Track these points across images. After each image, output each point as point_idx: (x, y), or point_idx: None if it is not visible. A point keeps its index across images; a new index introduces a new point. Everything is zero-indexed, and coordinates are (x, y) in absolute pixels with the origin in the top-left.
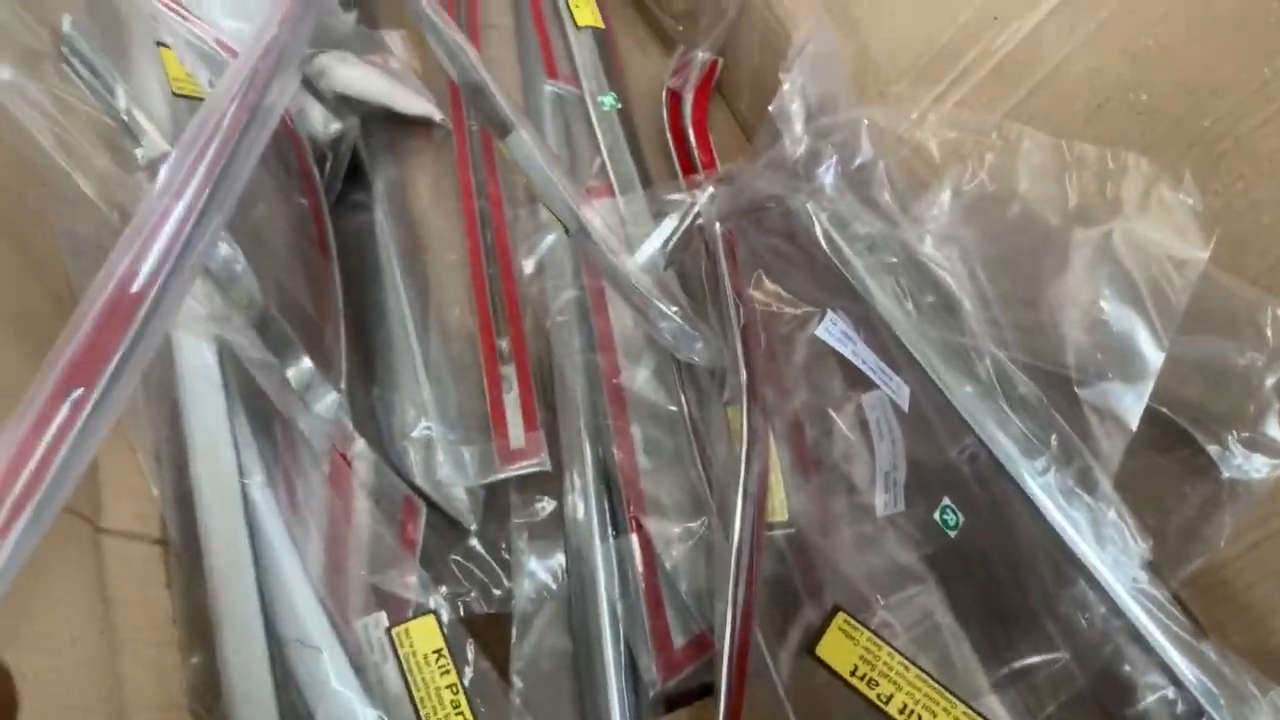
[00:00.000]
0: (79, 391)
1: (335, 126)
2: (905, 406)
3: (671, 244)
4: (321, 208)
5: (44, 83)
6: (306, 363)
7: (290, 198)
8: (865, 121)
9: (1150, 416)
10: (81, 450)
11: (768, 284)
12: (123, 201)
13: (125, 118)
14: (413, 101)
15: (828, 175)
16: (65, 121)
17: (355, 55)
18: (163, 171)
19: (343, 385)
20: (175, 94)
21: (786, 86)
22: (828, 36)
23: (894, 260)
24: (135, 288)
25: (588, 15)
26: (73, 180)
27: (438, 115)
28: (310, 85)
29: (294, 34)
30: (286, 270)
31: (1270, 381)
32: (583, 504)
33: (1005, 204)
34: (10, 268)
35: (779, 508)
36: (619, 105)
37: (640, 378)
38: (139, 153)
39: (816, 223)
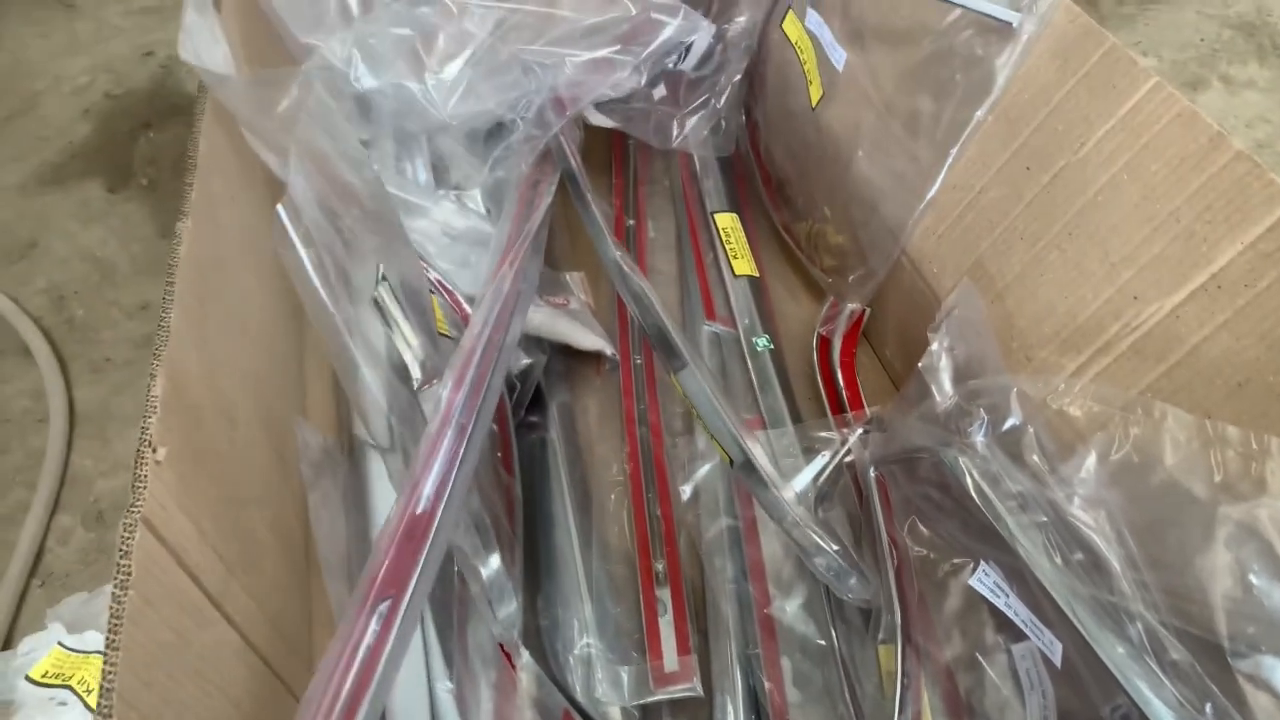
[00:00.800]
0: (385, 604)
1: (525, 361)
2: (1058, 661)
3: (822, 479)
4: (509, 432)
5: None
6: (498, 566)
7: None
8: (1015, 389)
9: None
10: (395, 655)
11: (921, 530)
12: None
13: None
14: (588, 339)
15: (979, 434)
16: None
17: (540, 297)
18: (430, 407)
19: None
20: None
21: (934, 345)
22: (975, 302)
23: (1044, 519)
24: (421, 509)
25: (745, 266)
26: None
27: (609, 350)
28: None
29: (526, 280)
30: (483, 484)
31: None
32: None
33: (1150, 473)
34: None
35: None
36: (771, 346)
37: (791, 609)
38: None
39: (969, 476)
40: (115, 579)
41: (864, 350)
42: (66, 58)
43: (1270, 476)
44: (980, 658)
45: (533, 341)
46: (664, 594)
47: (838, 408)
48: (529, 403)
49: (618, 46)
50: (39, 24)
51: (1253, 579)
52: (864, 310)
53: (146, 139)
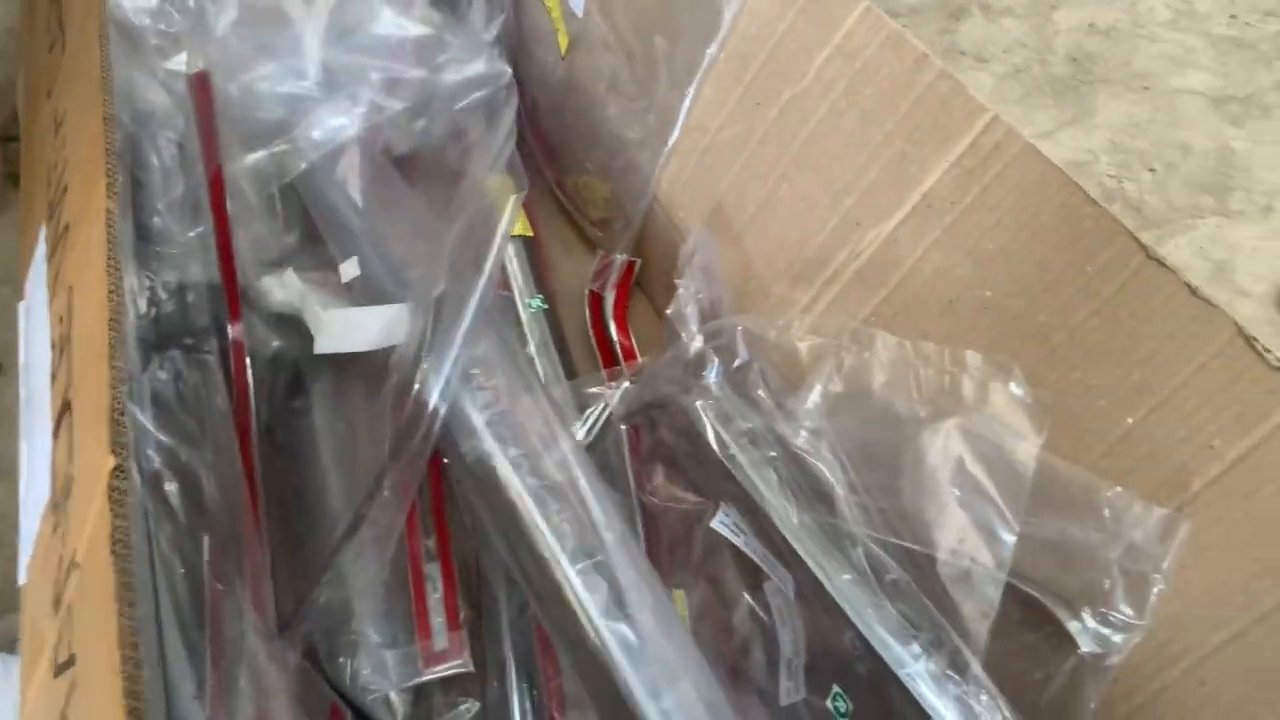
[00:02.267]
0: None
1: (274, 345)
2: (792, 595)
3: (593, 436)
4: (250, 420)
5: None
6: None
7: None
8: (740, 328)
9: (1016, 597)
10: None
11: (670, 478)
12: None
13: None
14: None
15: (712, 375)
16: None
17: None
18: None
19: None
20: None
21: (680, 291)
22: (710, 245)
23: (774, 454)
24: None
25: (518, 225)
26: None
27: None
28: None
29: None
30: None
31: (1113, 557)
32: (505, 705)
33: (863, 400)
34: None
35: None
36: (545, 306)
37: None
38: None
39: (705, 421)
40: None
41: (642, 302)
42: None
43: (965, 391)
44: (732, 599)
45: (286, 322)
46: (433, 569)
47: (612, 361)
48: (293, 386)
49: None
50: None
51: (955, 491)
52: (634, 261)
53: None
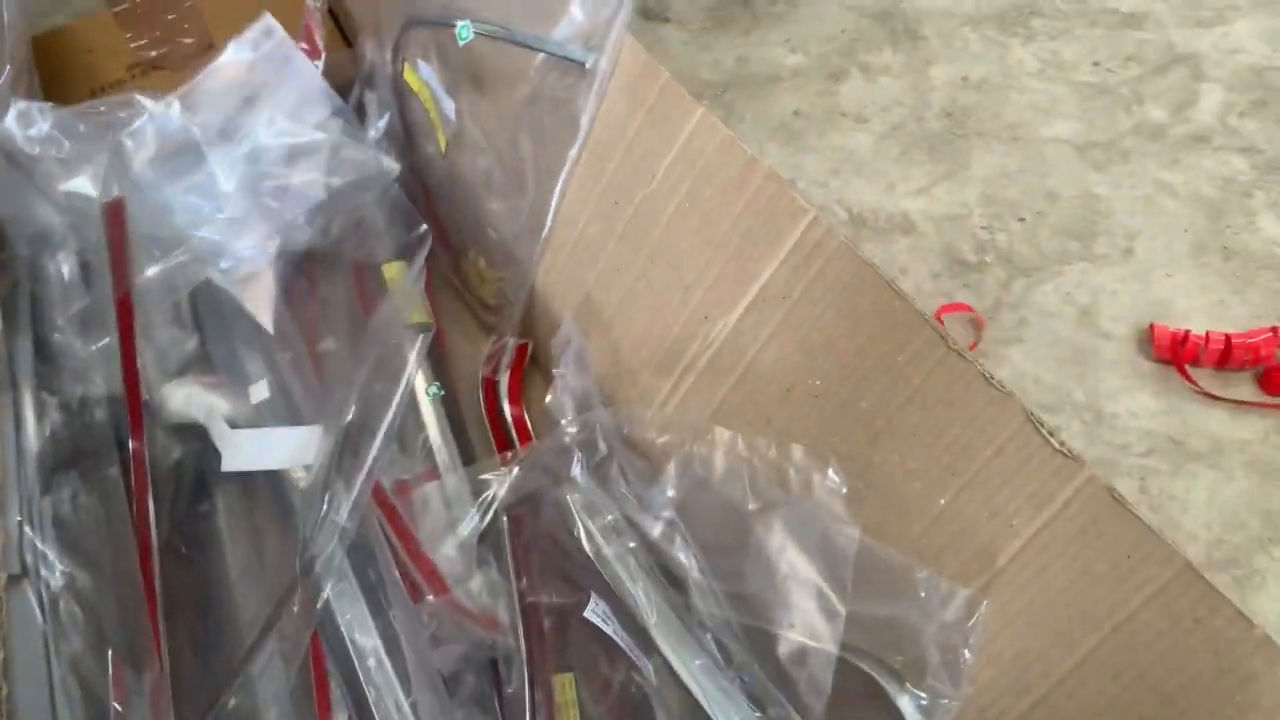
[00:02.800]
0: None
1: (175, 456)
2: (653, 679)
3: (485, 525)
4: (150, 530)
5: None
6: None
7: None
8: (599, 424)
9: (851, 671)
10: None
11: (541, 570)
12: None
13: None
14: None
15: (577, 469)
16: None
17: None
18: None
19: None
20: None
21: (556, 381)
22: (578, 337)
23: (633, 544)
24: None
25: (419, 314)
26: None
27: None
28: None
29: None
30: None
31: (930, 635)
32: None
33: (707, 493)
34: None
35: None
36: (442, 393)
37: None
38: None
39: (574, 513)
40: None
41: (540, 385)
42: None
43: (791, 482)
44: (615, 680)
45: (189, 430)
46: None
47: (506, 444)
48: (198, 492)
49: None
50: None
51: (787, 576)
52: (525, 344)
53: None
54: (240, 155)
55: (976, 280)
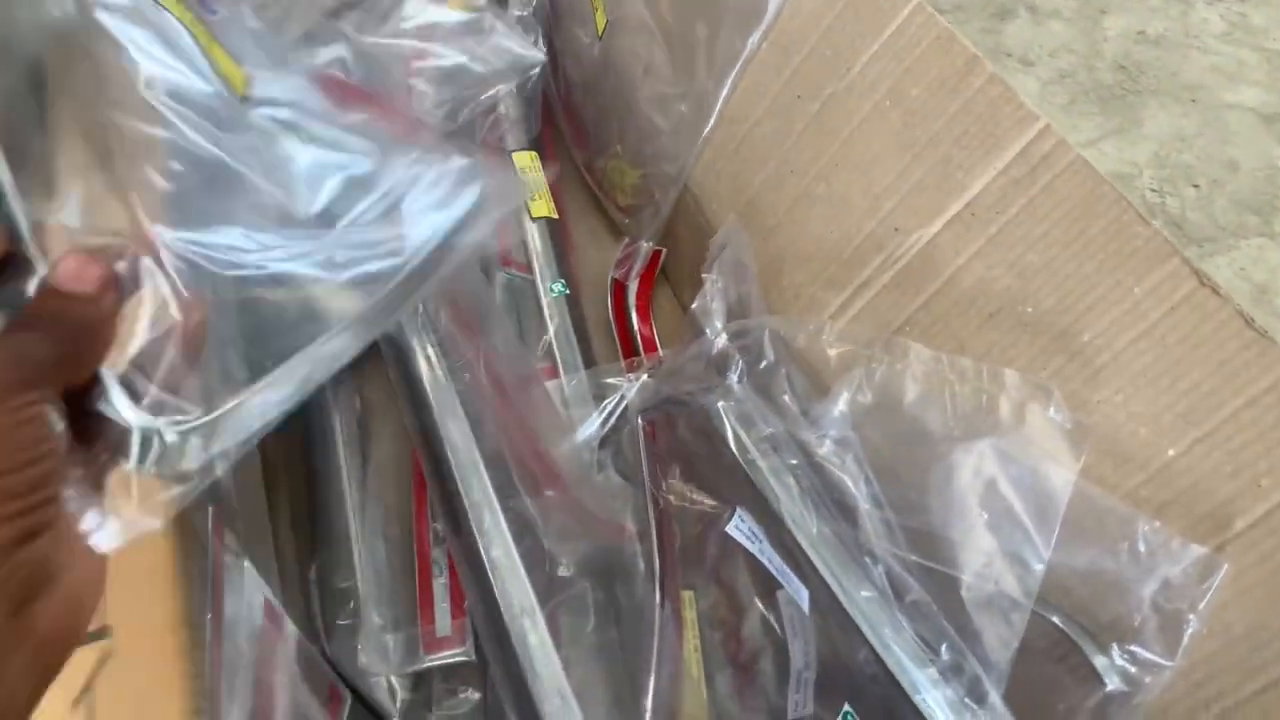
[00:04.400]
0: None
1: None
2: (805, 608)
3: (608, 428)
4: None
5: None
6: None
7: None
8: (768, 330)
9: (1041, 625)
10: None
11: (683, 478)
12: None
13: None
14: None
15: (735, 376)
16: None
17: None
18: None
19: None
20: None
21: (706, 285)
22: (741, 240)
23: (795, 462)
24: None
25: (543, 208)
26: None
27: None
28: None
29: None
30: None
31: (1146, 594)
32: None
33: (893, 414)
34: None
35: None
36: (567, 291)
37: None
38: None
39: (726, 422)
40: None
41: (665, 293)
42: None
43: (1001, 411)
44: (744, 605)
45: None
46: (439, 553)
47: (631, 352)
48: None
49: None
50: None
51: (985, 513)
52: (659, 251)
53: None
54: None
55: None
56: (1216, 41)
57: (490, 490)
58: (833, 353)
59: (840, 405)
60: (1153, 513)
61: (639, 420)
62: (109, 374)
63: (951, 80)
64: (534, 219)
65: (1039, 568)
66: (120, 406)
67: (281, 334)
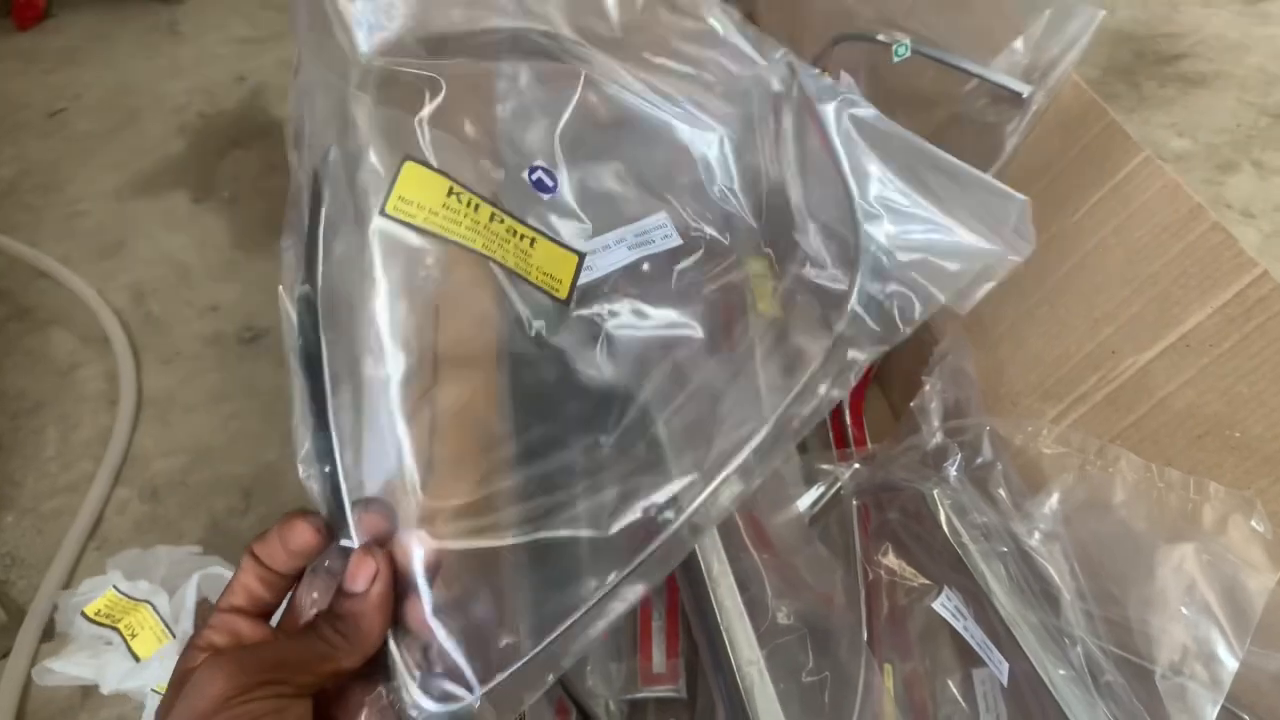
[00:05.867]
0: None
1: None
2: (1005, 680)
3: (817, 508)
4: None
5: None
6: None
7: None
8: (988, 428)
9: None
10: None
11: (896, 555)
12: None
13: None
14: None
15: (953, 468)
16: None
17: None
18: None
19: None
20: None
21: (927, 388)
22: (964, 349)
23: (1005, 549)
24: None
25: (770, 305)
26: None
27: None
28: None
29: None
30: None
31: None
32: None
33: (1102, 513)
34: None
35: None
36: None
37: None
38: None
39: (941, 508)
40: None
41: (875, 394)
42: (169, 79)
43: (1206, 519)
44: (943, 677)
45: None
46: (658, 599)
47: (841, 442)
48: None
49: None
50: (148, 48)
51: (1184, 610)
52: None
53: (232, 157)
54: None
55: None
56: None
57: (719, 540)
58: (1048, 453)
59: (1052, 501)
60: None
61: (854, 502)
62: (397, 662)
63: (1175, 225)
64: (759, 314)
65: (1233, 664)
66: (407, 694)
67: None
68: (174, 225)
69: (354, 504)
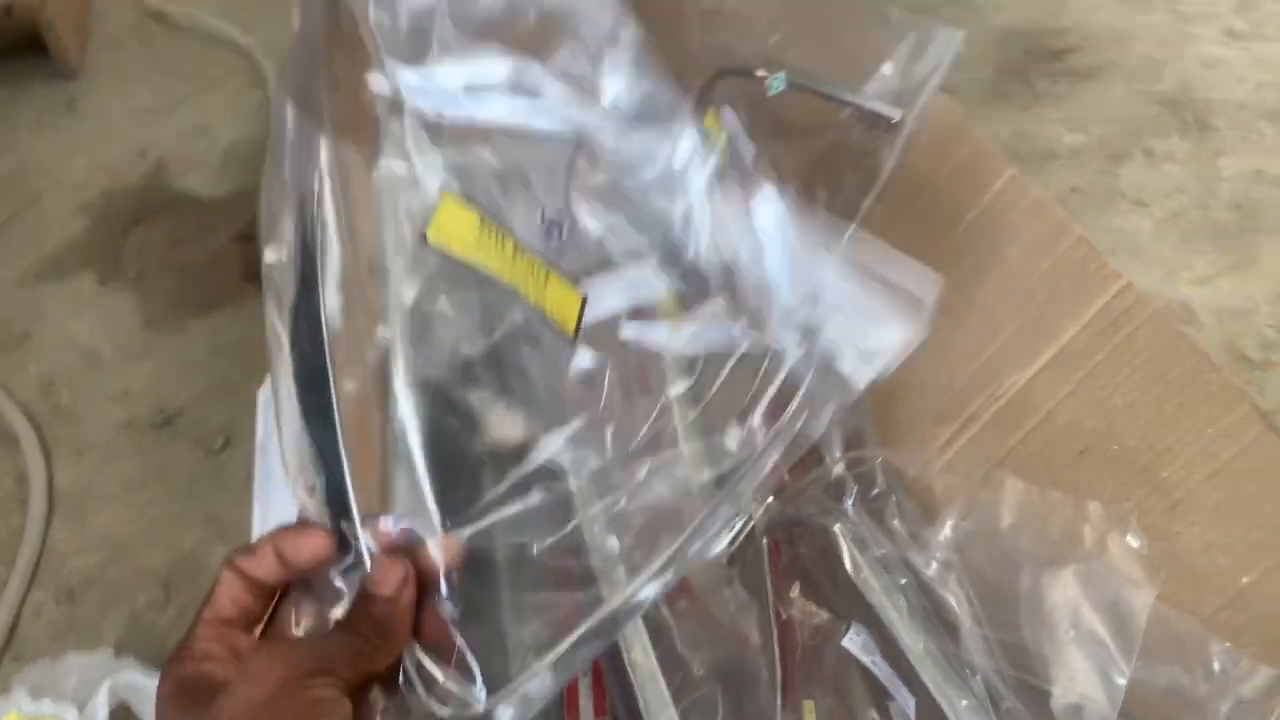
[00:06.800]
0: None
1: None
2: (913, 717)
3: (734, 545)
4: None
5: None
6: None
7: None
8: (880, 459)
9: None
10: None
11: (804, 594)
12: None
13: None
14: None
15: (850, 501)
16: None
17: None
18: None
19: None
20: None
21: None
22: None
23: (904, 581)
24: None
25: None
26: None
27: None
28: None
29: None
30: None
31: (1221, 710)
32: None
33: (991, 540)
34: None
35: None
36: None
37: None
38: None
39: (843, 543)
40: None
41: None
42: (69, 157)
43: (1087, 539)
44: (860, 713)
45: None
46: None
47: None
48: None
49: None
50: (47, 127)
51: (1072, 632)
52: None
53: (137, 233)
54: None
55: (1261, 379)
56: None
57: None
58: (938, 483)
59: (945, 531)
60: (1231, 636)
61: (764, 540)
62: (410, 666)
63: (1044, 240)
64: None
65: (1122, 681)
66: (422, 696)
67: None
68: (81, 309)
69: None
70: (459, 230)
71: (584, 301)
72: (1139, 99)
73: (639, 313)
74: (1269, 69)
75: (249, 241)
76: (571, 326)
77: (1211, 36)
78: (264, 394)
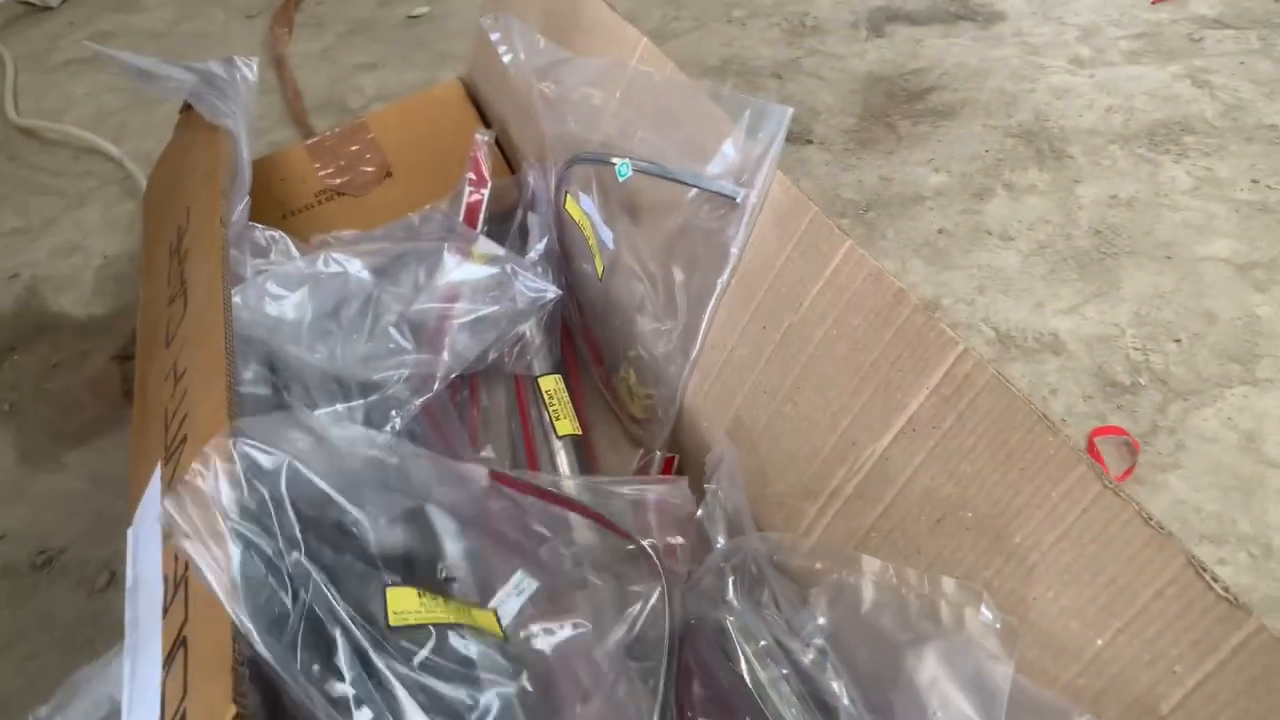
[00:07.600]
0: None
1: None
2: None
3: (633, 634)
4: None
5: None
6: None
7: None
8: (749, 548)
9: None
10: None
11: (702, 690)
12: None
13: None
14: None
15: (731, 592)
16: None
17: None
18: None
19: None
20: None
21: (708, 497)
22: (732, 455)
23: (786, 671)
24: None
25: (566, 426)
26: None
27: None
28: None
29: None
30: None
31: None
32: None
33: (857, 623)
34: None
35: None
36: None
37: None
38: None
39: (732, 635)
40: None
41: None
42: None
43: (943, 615)
44: None
45: None
46: None
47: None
48: None
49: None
50: None
51: (939, 712)
52: (673, 457)
53: (10, 364)
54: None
55: (1130, 403)
56: (1185, 197)
57: None
58: (806, 565)
59: (817, 617)
60: (1090, 701)
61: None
62: None
63: (884, 310)
64: (559, 437)
65: None
66: None
67: None
68: None
69: None
70: (408, 605)
71: (496, 613)
72: (996, 133)
73: None
74: (1114, 93)
75: (129, 360)
76: (500, 631)
77: (1059, 66)
78: (132, 533)
